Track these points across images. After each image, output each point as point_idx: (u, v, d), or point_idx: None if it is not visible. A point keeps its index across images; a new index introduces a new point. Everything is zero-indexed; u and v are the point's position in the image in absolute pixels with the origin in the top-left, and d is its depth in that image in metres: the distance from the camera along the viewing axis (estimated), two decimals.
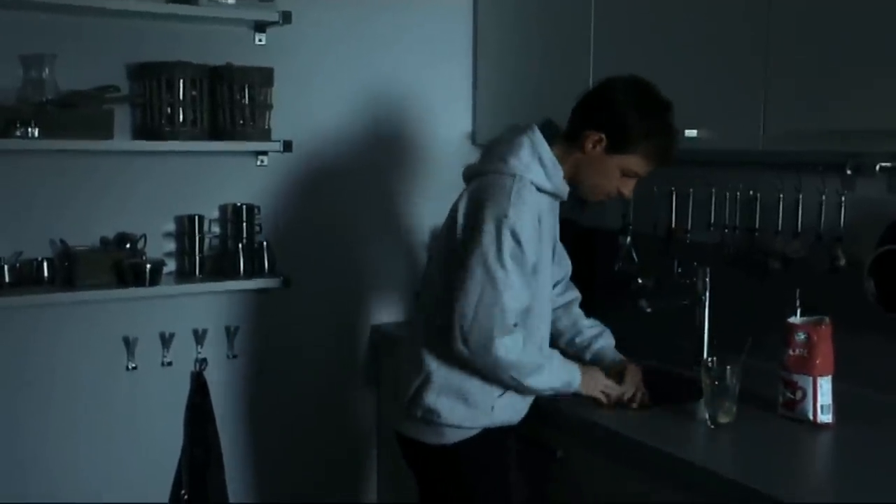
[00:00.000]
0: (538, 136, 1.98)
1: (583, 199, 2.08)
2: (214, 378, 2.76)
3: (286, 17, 2.66)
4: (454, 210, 2.01)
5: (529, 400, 2.06)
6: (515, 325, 1.90)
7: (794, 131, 2.04)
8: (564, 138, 2.01)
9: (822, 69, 1.97)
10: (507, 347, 1.88)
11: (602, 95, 2.00)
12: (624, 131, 1.94)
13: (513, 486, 2.09)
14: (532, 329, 1.99)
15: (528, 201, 1.91)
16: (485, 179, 1.97)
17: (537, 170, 1.96)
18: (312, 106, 2.86)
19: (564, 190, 2.02)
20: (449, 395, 1.97)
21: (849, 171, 2.13)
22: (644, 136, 1.94)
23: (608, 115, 1.95)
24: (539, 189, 1.97)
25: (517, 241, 1.88)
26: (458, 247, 1.94)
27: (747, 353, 2.03)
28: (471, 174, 2.04)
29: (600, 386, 2.09)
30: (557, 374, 2.01)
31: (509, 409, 2.02)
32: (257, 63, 2.68)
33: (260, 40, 2.75)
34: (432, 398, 1.97)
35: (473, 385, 1.97)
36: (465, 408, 1.98)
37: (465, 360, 1.92)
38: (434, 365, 1.98)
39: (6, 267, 2.44)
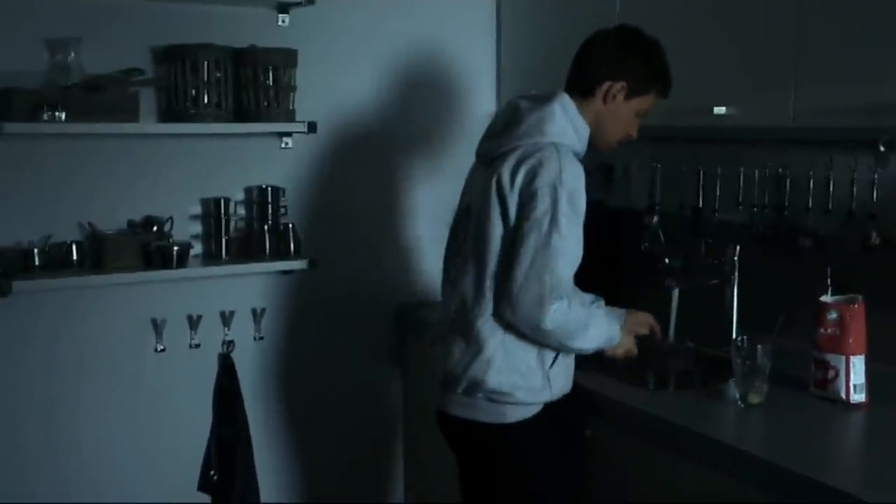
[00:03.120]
0: (567, 100, 2.02)
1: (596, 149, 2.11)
2: (242, 359, 2.77)
3: None
4: (496, 186, 1.95)
5: (573, 368, 2.06)
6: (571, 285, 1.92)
7: (826, 107, 2.00)
8: (577, 96, 2.04)
9: (854, 43, 1.94)
10: (556, 313, 1.88)
11: (607, 48, 2.07)
12: (642, 74, 2.04)
13: (563, 468, 2.06)
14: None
15: (576, 165, 1.95)
16: (522, 151, 1.96)
17: (571, 135, 2.00)
18: (336, 87, 2.86)
19: (585, 148, 2.07)
20: (511, 374, 1.96)
21: (882, 148, 2.09)
22: (657, 75, 2.06)
23: (623, 63, 2.04)
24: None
25: (573, 206, 1.90)
26: (511, 221, 1.93)
27: (778, 332, 2.01)
28: (499, 150, 2.00)
29: (629, 343, 2.12)
30: (601, 332, 2.00)
31: (561, 379, 2.01)
32: (281, 44, 2.68)
33: (283, 21, 2.74)
34: (494, 379, 1.95)
35: (531, 359, 1.97)
36: (526, 384, 1.97)
37: (509, 324, 1.93)
38: (493, 345, 1.96)
39: (36, 250, 2.46)
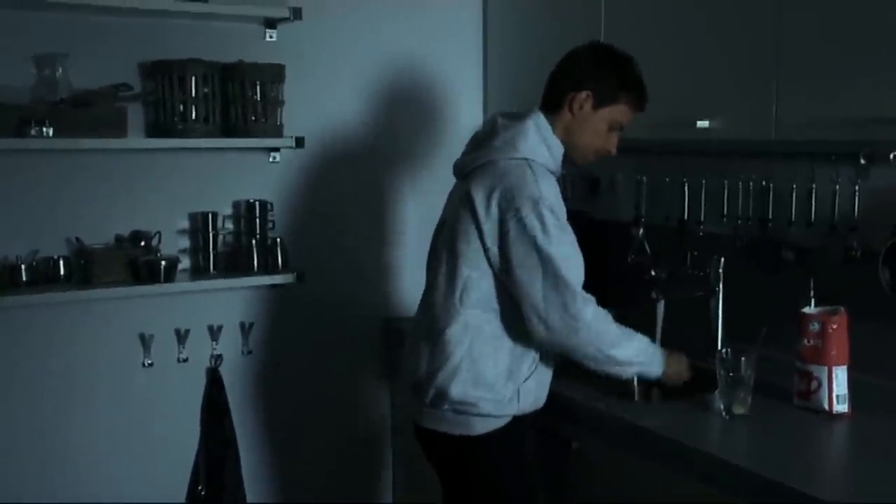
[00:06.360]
0: (542, 119, 2.05)
1: (574, 164, 2.15)
2: (230, 374, 2.78)
3: (296, 13, 2.67)
4: (467, 200, 1.99)
5: (548, 385, 2.07)
6: (587, 293, 1.95)
7: (807, 120, 2.03)
8: (549, 111, 2.07)
9: (835, 57, 1.96)
10: (588, 315, 1.92)
11: (575, 60, 2.09)
12: (608, 82, 2.04)
13: (536, 478, 2.08)
14: None
15: (550, 179, 1.99)
16: (497, 165, 1.99)
17: (544, 153, 2.02)
18: (324, 101, 2.87)
19: (560, 166, 2.09)
20: (476, 386, 1.97)
21: (862, 160, 2.12)
22: (625, 84, 2.05)
23: (588, 72, 2.05)
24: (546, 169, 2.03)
25: (556, 216, 1.94)
26: (490, 240, 1.95)
27: (761, 343, 2.02)
28: (474, 164, 2.04)
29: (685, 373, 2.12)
30: (643, 350, 2.03)
31: (532, 395, 2.02)
32: (268, 59, 2.69)
33: (271, 37, 2.76)
34: (459, 390, 1.97)
35: (499, 373, 1.98)
36: (492, 397, 1.98)
37: (549, 344, 1.97)
38: (458, 355, 1.98)
39: (23, 266, 2.46)
